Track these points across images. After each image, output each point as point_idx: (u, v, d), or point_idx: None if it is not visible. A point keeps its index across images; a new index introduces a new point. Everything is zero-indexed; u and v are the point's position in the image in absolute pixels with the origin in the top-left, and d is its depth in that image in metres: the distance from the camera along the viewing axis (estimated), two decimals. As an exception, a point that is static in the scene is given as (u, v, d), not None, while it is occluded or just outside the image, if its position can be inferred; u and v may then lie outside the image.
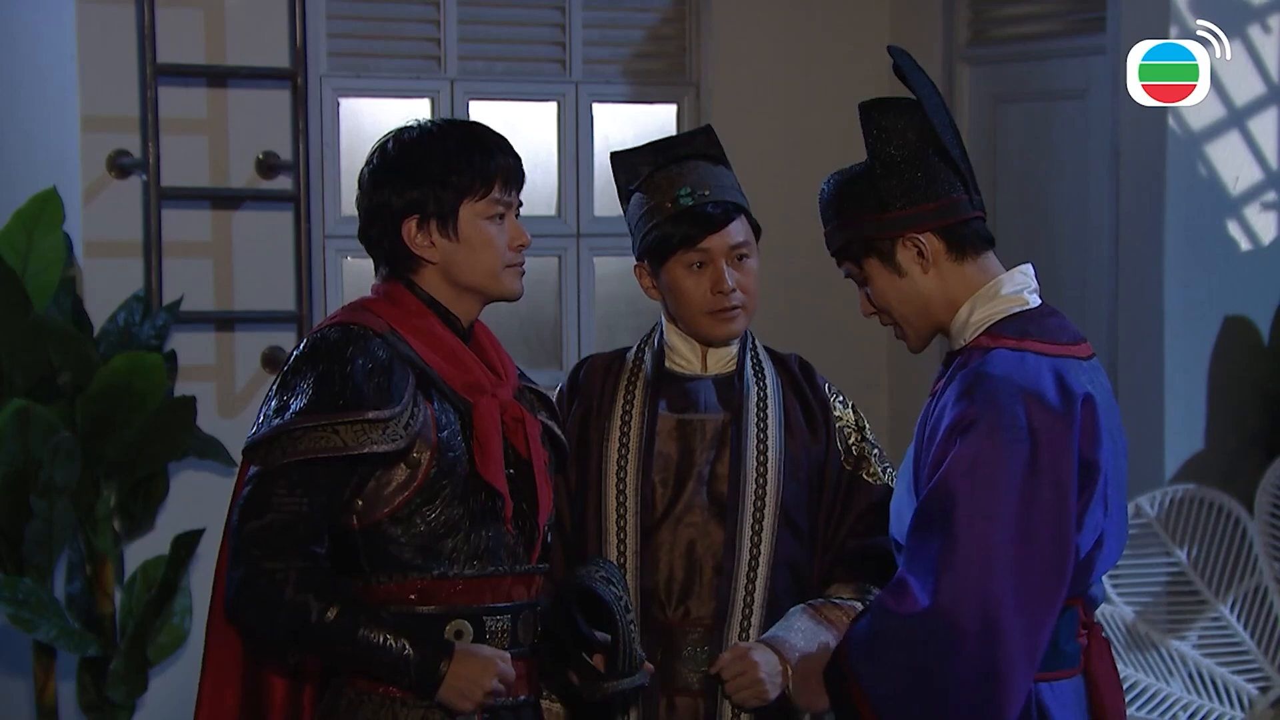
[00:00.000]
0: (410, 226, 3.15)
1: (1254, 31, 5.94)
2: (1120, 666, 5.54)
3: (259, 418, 3.11)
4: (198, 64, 5.88)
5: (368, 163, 3.21)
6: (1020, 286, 3.16)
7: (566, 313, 6.52)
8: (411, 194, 3.14)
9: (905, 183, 3.13)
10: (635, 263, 3.55)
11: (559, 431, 3.40)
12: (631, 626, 3.26)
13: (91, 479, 5.45)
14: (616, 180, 3.60)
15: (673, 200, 3.47)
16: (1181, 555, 5.73)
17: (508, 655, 3.12)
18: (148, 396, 5.37)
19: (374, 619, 3.04)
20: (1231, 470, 5.91)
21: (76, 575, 5.56)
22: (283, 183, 5.96)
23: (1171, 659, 5.68)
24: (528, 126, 6.40)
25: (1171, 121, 5.84)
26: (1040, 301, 3.18)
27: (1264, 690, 5.67)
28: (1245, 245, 5.99)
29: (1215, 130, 5.92)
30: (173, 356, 5.70)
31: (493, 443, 3.14)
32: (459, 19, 6.36)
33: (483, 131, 3.22)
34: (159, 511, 5.67)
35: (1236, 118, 5.94)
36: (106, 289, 5.72)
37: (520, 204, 3.24)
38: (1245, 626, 5.71)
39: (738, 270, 3.47)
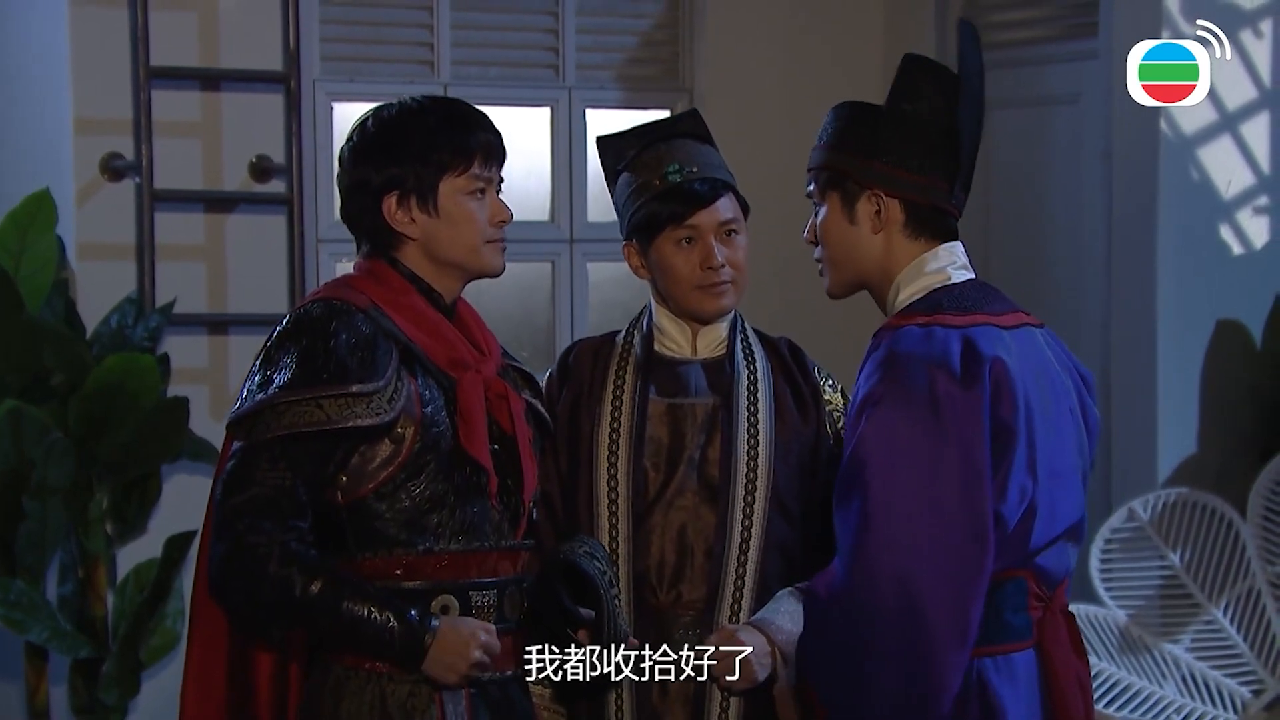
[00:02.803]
0: (390, 203, 3.16)
1: (1246, 36, 5.94)
2: (1114, 669, 5.56)
3: (242, 392, 3.11)
4: (191, 67, 5.89)
5: (348, 141, 3.22)
6: (945, 263, 3.17)
7: (560, 318, 6.52)
8: (391, 170, 3.15)
9: (902, 144, 3.14)
10: (624, 242, 3.55)
11: (543, 410, 3.40)
12: (615, 601, 3.27)
13: (84, 480, 5.45)
14: (603, 163, 3.60)
15: (661, 177, 3.47)
16: (1175, 558, 5.73)
17: (492, 627, 3.12)
18: (141, 397, 5.37)
19: (358, 592, 3.03)
20: (1224, 473, 5.90)
21: (69, 577, 5.55)
22: (276, 186, 5.96)
23: (1165, 662, 5.67)
24: (521, 132, 6.40)
25: (1164, 125, 5.85)
26: (969, 277, 3.18)
27: (1257, 693, 5.66)
28: (1238, 249, 6.00)
29: (1208, 134, 5.93)
30: (166, 359, 5.70)
31: (477, 418, 3.14)
32: (452, 24, 6.37)
33: (462, 108, 3.23)
34: (152, 514, 5.66)
35: (1229, 122, 5.94)
36: (99, 292, 5.71)
37: (501, 180, 3.25)
38: (1238, 630, 5.70)
39: (727, 246, 3.47)
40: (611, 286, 6.53)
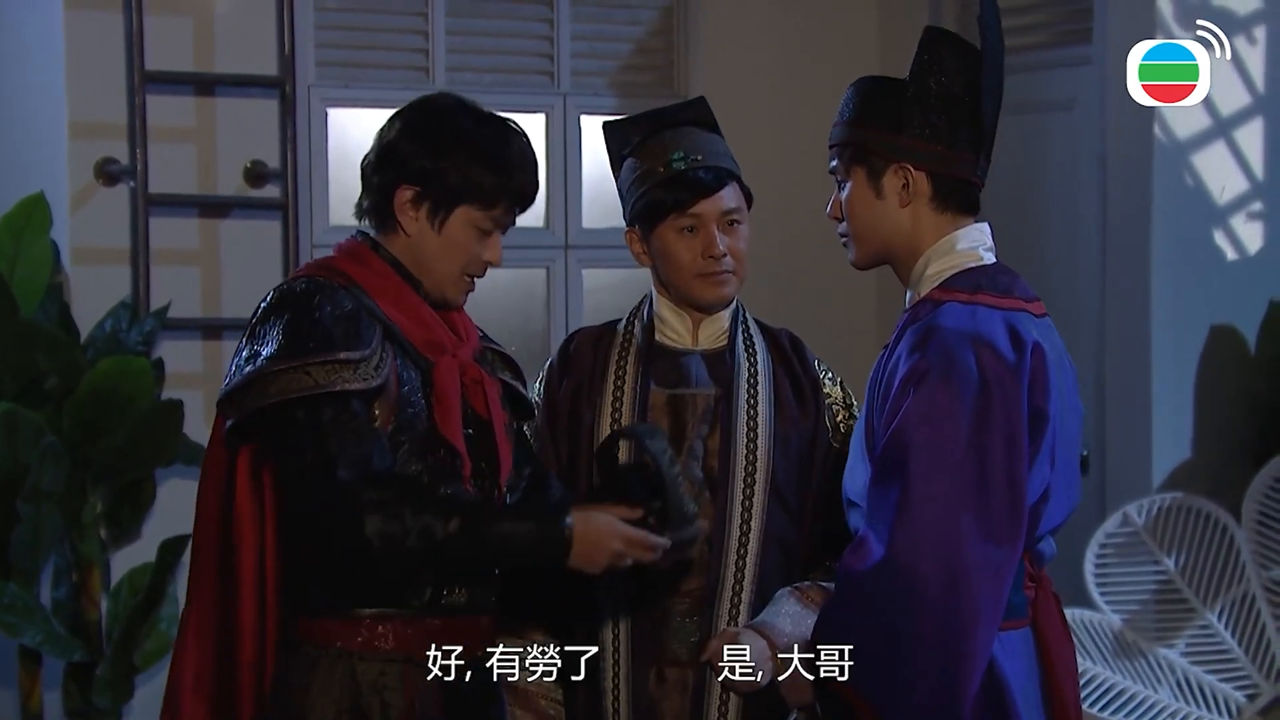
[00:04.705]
0: (405, 193, 3.14)
1: (1240, 42, 5.95)
2: (1108, 674, 5.55)
3: (230, 369, 3.11)
4: (186, 71, 5.90)
5: (418, 105, 3.19)
6: (975, 243, 3.18)
7: (555, 324, 6.52)
8: (426, 165, 3.13)
9: (927, 117, 3.14)
10: (626, 228, 3.55)
11: (523, 390, 3.40)
12: (679, 479, 3.16)
13: (78, 484, 5.44)
14: (608, 148, 3.60)
15: (665, 164, 3.47)
16: (1170, 563, 5.73)
17: (621, 521, 3.09)
18: (135, 401, 5.37)
19: (491, 514, 3.07)
20: (1219, 479, 5.90)
21: (63, 581, 5.55)
22: (270, 191, 5.97)
23: (1160, 667, 5.67)
24: (516, 138, 6.39)
25: (1158, 131, 5.85)
26: (994, 259, 3.19)
27: (1252, 698, 5.66)
28: (1232, 255, 6.00)
29: (1202, 140, 5.93)
30: (160, 363, 5.70)
31: (451, 402, 3.14)
32: (447, 30, 6.38)
33: (523, 147, 3.19)
34: (145, 518, 5.66)
35: (1223, 127, 5.95)
36: (94, 296, 5.72)
37: (514, 222, 3.24)
38: (1233, 634, 5.70)
39: (729, 235, 3.47)
40: (606, 292, 6.53)
